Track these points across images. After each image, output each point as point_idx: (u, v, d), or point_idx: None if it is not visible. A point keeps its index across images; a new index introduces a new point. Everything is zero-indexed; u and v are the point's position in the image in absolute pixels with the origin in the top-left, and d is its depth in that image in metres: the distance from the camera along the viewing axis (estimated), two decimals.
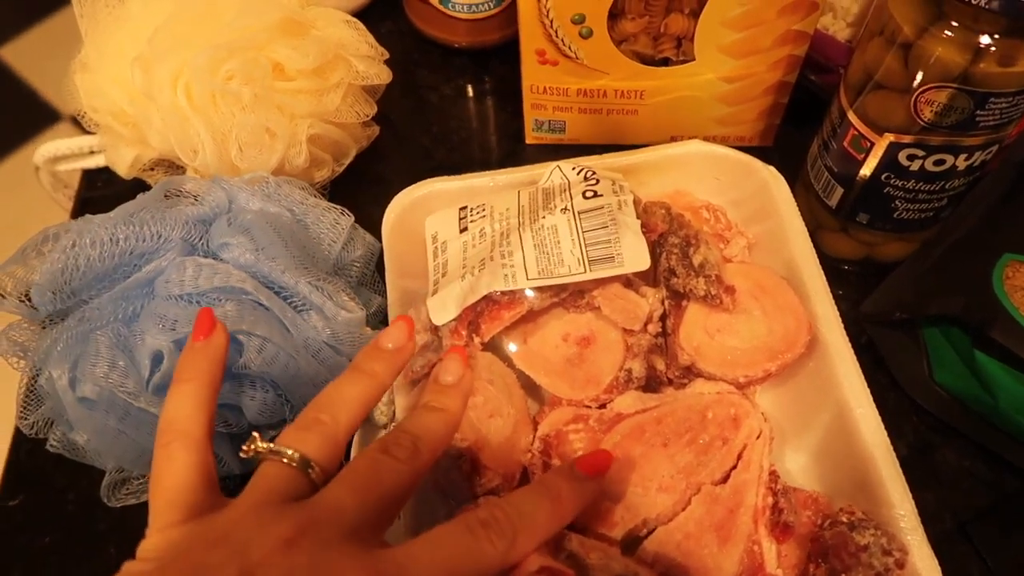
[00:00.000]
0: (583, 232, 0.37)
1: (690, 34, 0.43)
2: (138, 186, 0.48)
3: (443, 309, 0.36)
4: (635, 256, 0.36)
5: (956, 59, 0.33)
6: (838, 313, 0.38)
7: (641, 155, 0.44)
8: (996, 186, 0.43)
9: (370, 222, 0.44)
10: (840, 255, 0.45)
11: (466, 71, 0.56)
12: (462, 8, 0.52)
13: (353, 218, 0.42)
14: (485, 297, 0.36)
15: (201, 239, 0.37)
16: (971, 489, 0.40)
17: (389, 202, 0.44)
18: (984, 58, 0.33)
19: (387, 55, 0.50)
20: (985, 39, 0.32)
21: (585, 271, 0.36)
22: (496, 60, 0.56)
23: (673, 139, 0.50)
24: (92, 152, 0.50)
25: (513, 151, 0.52)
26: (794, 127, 0.49)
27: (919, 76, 0.34)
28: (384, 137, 0.52)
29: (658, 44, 0.45)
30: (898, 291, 0.41)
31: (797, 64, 0.45)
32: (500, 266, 0.36)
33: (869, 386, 0.36)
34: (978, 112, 0.34)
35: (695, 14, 0.42)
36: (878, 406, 0.36)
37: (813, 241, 0.42)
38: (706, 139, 0.50)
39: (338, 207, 0.42)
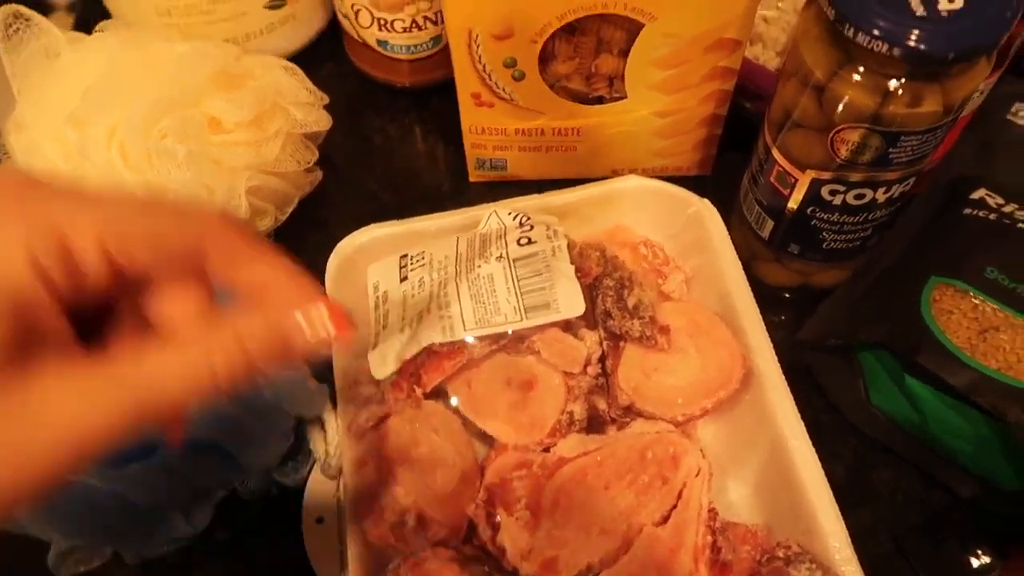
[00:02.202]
0: (518, 280, 0.37)
1: (620, 73, 0.44)
2: None
3: (383, 364, 0.37)
4: (570, 302, 0.37)
5: (866, 102, 0.34)
6: (772, 345, 0.39)
7: (580, 192, 0.45)
8: (924, 209, 0.44)
9: (317, 268, 0.44)
10: (777, 283, 0.46)
11: (409, 111, 0.56)
12: (401, 50, 0.53)
13: None
14: (425, 348, 0.37)
15: None
16: (905, 507, 0.41)
17: (335, 247, 0.44)
18: (893, 100, 0.34)
19: (327, 100, 0.50)
20: (893, 82, 0.34)
21: (521, 319, 0.36)
22: (438, 98, 0.56)
23: (614, 172, 0.51)
24: None
25: (458, 189, 0.53)
26: (732, 153, 0.50)
27: (833, 117, 0.35)
28: (328, 181, 0.52)
29: (591, 83, 0.46)
30: (831, 319, 0.42)
31: (727, 98, 0.46)
32: (438, 318, 0.37)
33: (807, 410, 0.37)
34: (891, 150, 0.36)
35: (624, 54, 0.43)
36: (816, 429, 0.37)
37: (750, 270, 0.43)
38: (645, 170, 0.51)
39: None
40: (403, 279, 0.41)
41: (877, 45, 0.32)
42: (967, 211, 0.43)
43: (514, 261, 0.38)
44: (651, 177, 0.46)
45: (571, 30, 0.42)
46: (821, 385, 0.43)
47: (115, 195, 0.22)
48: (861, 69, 0.34)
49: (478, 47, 0.43)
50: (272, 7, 0.53)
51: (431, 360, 0.37)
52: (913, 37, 0.31)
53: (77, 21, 0.69)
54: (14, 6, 0.46)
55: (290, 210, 0.49)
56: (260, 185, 0.45)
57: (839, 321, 0.42)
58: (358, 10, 0.51)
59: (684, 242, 0.45)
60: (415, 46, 0.53)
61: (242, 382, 0.22)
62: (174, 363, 0.21)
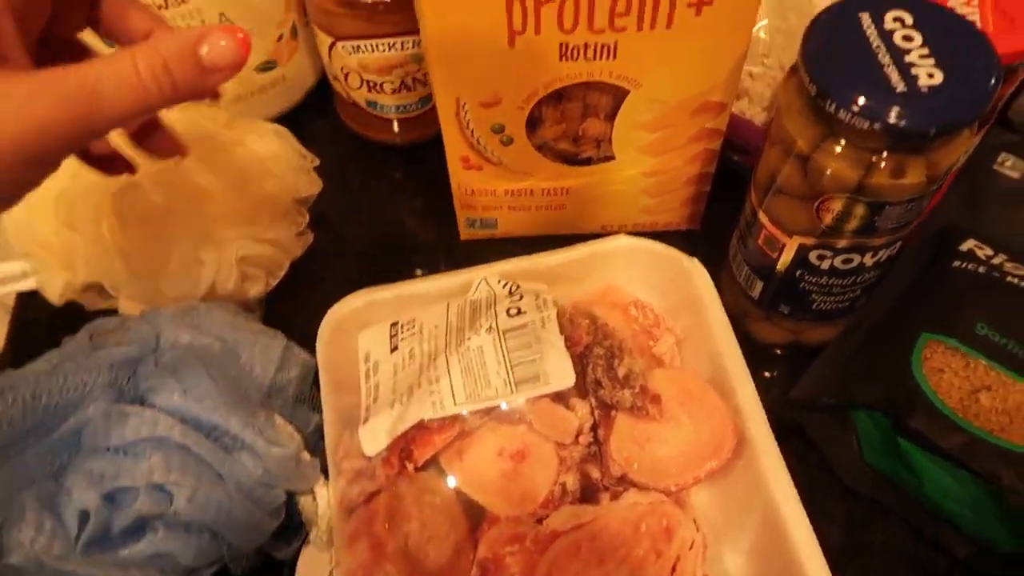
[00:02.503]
0: (508, 352, 0.37)
1: (608, 136, 0.45)
2: (73, 306, 0.47)
3: (374, 440, 0.37)
4: (560, 373, 0.37)
5: (850, 174, 0.34)
6: (763, 408, 0.39)
7: (570, 253, 0.45)
8: (913, 263, 0.45)
9: (310, 331, 0.44)
10: (769, 341, 0.46)
11: (401, 167, 0.57)
12: (391, 110, 0.53)
13: (284, 341, 0.42)
14: (415, 423, 0.37)
15: (128, 381, 0.37)
16: (899, 566, 0.41)
17: (328, 309, 0.44)
18: (876, 172, 0.34)
19: (317, 162, 0.50)
20: (875, 156, 0.34)
21: (512, 392, 0.36)
22: (428, 155, 0.56)
23: (604, 228, 0.51)
24: (25, 274, 0.50)
25: (450, 247, 0.53)
26: (721, 204, 0.50)
27: (817, 186, 0.36)
28: (320, 240, 0.52)
29: (579, 145, 0.46)
30: (824, 378, 0.42)
31: (714, 157, 0.46)
32: (428, 393, 0.37)
33: (800, 467, 0.37)
34: (876, 218, 0.36)
35: (610, 118, 0.44)
36: (809, 486, 0.37)
37: (742, 328, 0.43)
38: (636, 226, 0.51)
39: (270, 330, 0.42)
40: (394, 348, 0.41)
41: (858, 121, 0.32)
42: (956, 264, 0.43)
43: (504, 333, 0.38)
44: (640, 233, 0.46)
45: (558, 97, 0.42)
46: (814, 441, 0.43)
47: None
48: (843, 142, 0.34)
49: (466, 114, 0.43)
50: (262, 70, 0.53)
51: (421, 435, 0.37)
52: (893, 113, 0.32)
53: None
54: None
55: (281, 274, 0.49)
56: (251, 254, 0.45)
57: (831, 380, 0.42)
58: (347, 72, 0.51)
59: (673, 301, 0.45)
60: (404, 106, 0.53)
61: (165, 91, 0.25)
62: (105, 67, 0.24)
